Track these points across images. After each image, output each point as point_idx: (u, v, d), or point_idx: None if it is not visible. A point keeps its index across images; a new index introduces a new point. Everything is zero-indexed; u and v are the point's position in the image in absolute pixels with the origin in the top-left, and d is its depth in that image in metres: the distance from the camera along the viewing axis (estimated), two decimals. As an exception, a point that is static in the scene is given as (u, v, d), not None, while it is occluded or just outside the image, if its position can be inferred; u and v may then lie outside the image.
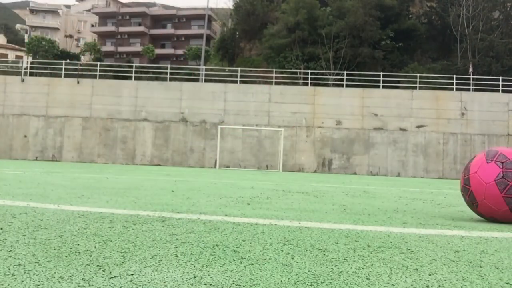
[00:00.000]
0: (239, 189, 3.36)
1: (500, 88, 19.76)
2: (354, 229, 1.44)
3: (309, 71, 22.53)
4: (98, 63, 22.40)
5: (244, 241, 1.14)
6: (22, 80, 20.17)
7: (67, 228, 1.22)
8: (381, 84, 20.23)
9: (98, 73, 20.98)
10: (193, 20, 54.10)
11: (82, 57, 43.17)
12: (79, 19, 61.09)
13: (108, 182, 3.50)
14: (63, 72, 21.17)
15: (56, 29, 57.86)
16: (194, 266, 0.85)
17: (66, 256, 0.89)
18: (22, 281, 0.70)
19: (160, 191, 2.74)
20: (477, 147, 18.81)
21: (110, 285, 0.70)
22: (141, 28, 53.47)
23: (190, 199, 2.25)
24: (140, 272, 0.79)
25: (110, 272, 0.78)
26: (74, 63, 24.72)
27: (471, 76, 21.55)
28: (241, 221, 1.52)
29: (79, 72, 21.15)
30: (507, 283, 0.82)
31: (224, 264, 0.88)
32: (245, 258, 0.94)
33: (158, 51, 48.79)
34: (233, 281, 0.76)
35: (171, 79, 21.25)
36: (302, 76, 23.15)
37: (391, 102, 19.28)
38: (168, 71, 21.42)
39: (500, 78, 20.10)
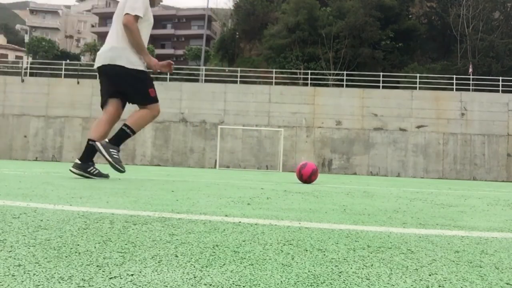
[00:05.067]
0: (239, 189, 3.36)
1: (500, 88, 19.78)
2: (354, 229, 1.44)
3: (309, 71, 22.55)
4: (98, 63, 22.41)
5: (244, 241, 1.14)
6: (22, 81, 20.17)
7: (67, 228, 1.22)
8: (381, 84, 20.24)
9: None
10: (193, 21, 54.08)
11: (82, 58, 43.20)
12: (79, 20, 61.14)
13: (108, 182, 3.51)
14: (63, 72, 21.18)
15: (56, 29, 57.88)
16: (194, 267, 0.85)
17: (66, 257, 0.89)
18: (22, 281, 0.70)
19: (160, 191, 2.74)
20: (477, 147, 18.82)
21: (110, 285, 0.70)
22: (141, 28, 53.38)
23: (190, 199, 2.25)
24: (140, 272, 0.79)
25: (110, 273, 0.78)
26: (74, 64, 24.74)
27: (471, 76, 21.56)
28: (241, 221, 1.52)
29: (79, 73, 21.17)
30: (507, 283, 0.82)
31: (224, 264, 0.88)
32: (245, 258, 0.94)
33: (158, 51, 48.76)
34: (233, 281, 0.75)
35: (171, 79, 21.26)
36: (302, 76, 23.17)
37: (391, 102, 19.29)
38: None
39: (500, 78, 20.12)
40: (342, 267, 0.89)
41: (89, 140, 3.99)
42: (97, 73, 4.12)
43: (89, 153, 3.94)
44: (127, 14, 3.82)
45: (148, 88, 4.03)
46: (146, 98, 4.03)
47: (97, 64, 4.00)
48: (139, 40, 3.86)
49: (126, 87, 3.99)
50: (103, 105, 4.09)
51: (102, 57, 3.93)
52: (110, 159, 3.85)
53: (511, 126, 18.87)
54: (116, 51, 3.88)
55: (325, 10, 30.72)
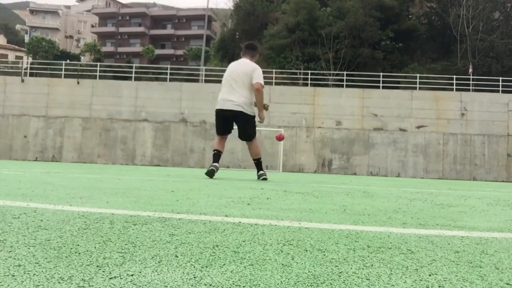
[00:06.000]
0: (239, 189, 3.35)
1: (500, 88, 19.77)
2: (354, 229, 1.44)
3: (309, 71, 22.54)
4: (98, 63, 22.42)
5: (244, 241, 1.14)
6: (22, 81, 20.17)
7: (67, 229, 1.22)
8: (381, 84, 20.24)
9: (98, 73, 21.00)
10: (193, 21, 54.09)
11: (82, 58, 43.21)
12: (79, 20, 61.15)
13: (108, 183, 3.50)
14: (63, 72, 21.18)
15: (56, 29, 57.90)
16: (194, 267, 0.85)
17: (66, 257, 0.89)
18: (22, 281, 0.70)
19: (160, 191, 2.74)
20: (477, 148, 18.82)
21: (110, 286, 0.70)
22: (141, 29, 53.47)
23: (190, 199, 2.25)
24: (140, 272, 0.79)
25: (110, 273, 0.78)
26: (74, 64, 24.73)
27: (471, 77, 21.56)
28: (241, 221, 1.52)
29: (79, 73, 21.16)
30: (507, 284, 0.82)
31: (224, 264, 0.88)
32: (245, 259, 0.94)
33: (158, 51, 48.81)
34: (233, 281, 0.75)
35: (171, 80, 21.26)
36: (302, 76, 23.17)
37: (391, 102, 19.28)
38: (168, 71, 21.42)
39: (500, 78, 20.11)
40: (342, 267, 0.89)
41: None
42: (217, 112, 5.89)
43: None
44: (260, 83, 5.51)
45: (255, 129, 5.86)
46: (254, 135, 5.90)
47: (226, 107, 5.66)
48: (262, 100, 5.71)
49: (246, 127, 5.74)
50: (223, 134, 5.93)
51: (236, 106, 5.60)
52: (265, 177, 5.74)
53: (511, 126, 18.87)
54: (246, 106, 5.62)
55: (325, 10, 30.71)
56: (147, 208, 1.78)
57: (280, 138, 8.18)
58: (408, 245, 1.18)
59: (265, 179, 5.64)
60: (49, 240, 1.05)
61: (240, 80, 5.63)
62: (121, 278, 0.74)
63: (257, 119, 5.89)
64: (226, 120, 5.79)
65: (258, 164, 5.93)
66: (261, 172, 5.79)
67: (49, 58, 35.16)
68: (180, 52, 48.91)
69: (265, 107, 5.90)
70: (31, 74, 22.24)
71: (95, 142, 19.59)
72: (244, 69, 5.65)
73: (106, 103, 19.73)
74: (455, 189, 5.31)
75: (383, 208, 2.27)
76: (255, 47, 6.01)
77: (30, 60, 33.86)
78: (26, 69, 21.82)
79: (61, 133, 19.69)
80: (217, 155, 5.80)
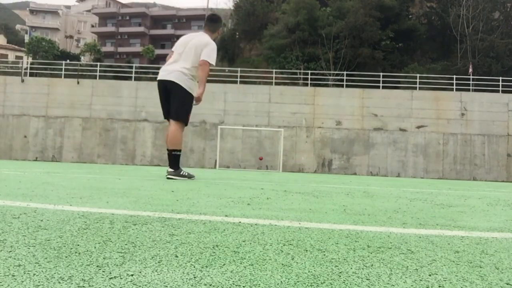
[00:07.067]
0: (239, 189, 3.35)
1: (500, 88, 19.77)
2: (354, 229, 1.44)
3: (309, 71, 22.54)
4: (98, 63, 22.41)
5: (244, 241, 1.14)
6: (22, 81, 20.17)
7: (67, 229, 1.22)
8: (381, 84, 20.24)
9: (98, 73, 20.99)
10: (193, 21, 54.08)
11: (82, 58, 43.18)
12: (79, 20, 61.14)
13: (108, 183, 3.50)
14: (63, 72, 21.17)
15: (56, 29, 57.91)
16: (194, 267, 0.85)
17: (66, 257, 0.89)
18: (22, 281, 0.70)
19: (160, 191, 2.74)
20: (477, 148, 18.81)
21: (110, 286, 0.70)
22: (141, 29, 53.47)
23: (190, 199, 2.25)
24: (140, 272, 0.79)
25: (110, 273, 0.78)
26: (74, 64, 24.72)
27: (471, 77, 21.55)
28: (241, 221, 1.52)
29: (79, 73, 21.16)
30: (507, 284, 0.82)
31: (224, 264, 0.88)
32: (245, 259, 0.94)
33: (158, 51, 48.72)
34: (233, 281, 0.75)
35: (171, 80, 21.22)
36: (302, 76, 23.16)
37: (391, 102, 19.28)
38: (168, 71, 21.38)
39: (500, 78, 20.10)
40: (342, 267, 0.89)
41: (171, 151, 5.00)
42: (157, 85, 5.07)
43: (176, 161, 4.94)
44: (206, 61, 4.76)
45: (189, 112, 5.16)
46: (184, 117, 5.11)
47: (164, 78, 4.89)
48: (205, 79, 4.89)
49: (176, 101, 4.93)
50: (166, 118, 5.25)
51: (173, 75, 4.84)
52: (186, 179, 4.77)
53: (511, 126, 18.87)
54: (184, 76, 4.84)
55: (325, 10, 30.70)
56: (147, 208, 1.78)
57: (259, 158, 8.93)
58: (408, 245, 1.18)
59: (169, 178, 4.74)
60: (49, 240, 1.05)
61: (189, 52, 4.84)
62: (121, 278, 0.74)
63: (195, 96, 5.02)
64: (165, 96, 4.99)
65: (172, 157, 4.95)
66: (170, 170, 4.86)
67: (49, 58, 35.15)
68: (180, 52, 48.88)
69: (198, 98, 5.02)
70: (31, 74, 22.23)
71: (95, 142, 19.59)
72: (195, 43, 4.87)
73: (106, 103, 19.73)
74: (455, 189, 5.31)
75: (383, 208, 2.27)
76: (215, 19, 5.24)
77: (30, 60, 33.86)
78: (26, 69, 21.81)
79: (61, 133, 19.68)
80: (168, 155, 5.04)
